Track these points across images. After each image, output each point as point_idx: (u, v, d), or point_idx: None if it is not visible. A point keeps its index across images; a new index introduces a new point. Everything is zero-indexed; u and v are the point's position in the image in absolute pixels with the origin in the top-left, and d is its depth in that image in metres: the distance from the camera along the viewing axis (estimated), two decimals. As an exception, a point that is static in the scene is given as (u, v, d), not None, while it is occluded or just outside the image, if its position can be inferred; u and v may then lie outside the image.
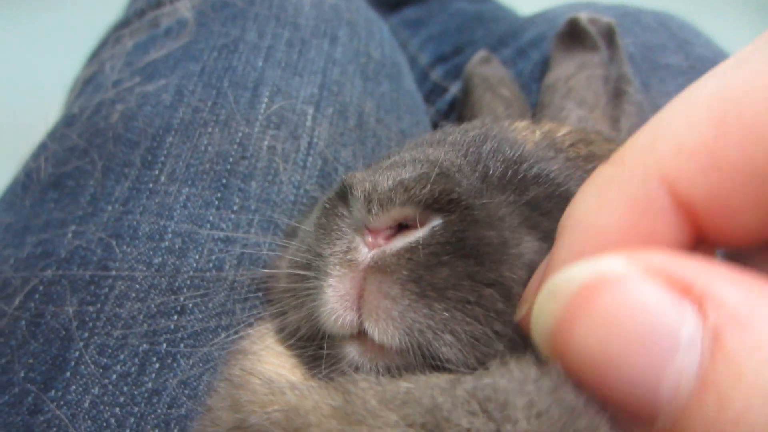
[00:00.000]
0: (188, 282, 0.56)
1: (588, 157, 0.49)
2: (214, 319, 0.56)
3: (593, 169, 0.48)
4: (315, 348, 0.41)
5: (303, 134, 0.67)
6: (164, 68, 0.71)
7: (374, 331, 0.36)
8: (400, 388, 0.32)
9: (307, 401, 0.34)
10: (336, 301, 0.38)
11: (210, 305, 0.56)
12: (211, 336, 0.55)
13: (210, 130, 0.65)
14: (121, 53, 0.77)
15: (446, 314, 0.35)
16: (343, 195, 0.40)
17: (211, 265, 0.58)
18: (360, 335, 0.38)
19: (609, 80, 0.80)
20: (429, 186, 0.36)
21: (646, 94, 0.82)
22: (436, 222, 0.36)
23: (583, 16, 0.87)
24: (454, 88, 1.11)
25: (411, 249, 0.36)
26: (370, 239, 0.38)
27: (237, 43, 0.73)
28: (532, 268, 0.36)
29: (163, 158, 0.63)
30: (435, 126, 1.01)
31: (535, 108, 0.84)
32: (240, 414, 0.38)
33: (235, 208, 0.61)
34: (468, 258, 0.35)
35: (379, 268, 0.36)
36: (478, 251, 0.35)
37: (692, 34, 0.90)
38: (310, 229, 0.42)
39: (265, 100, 0.68)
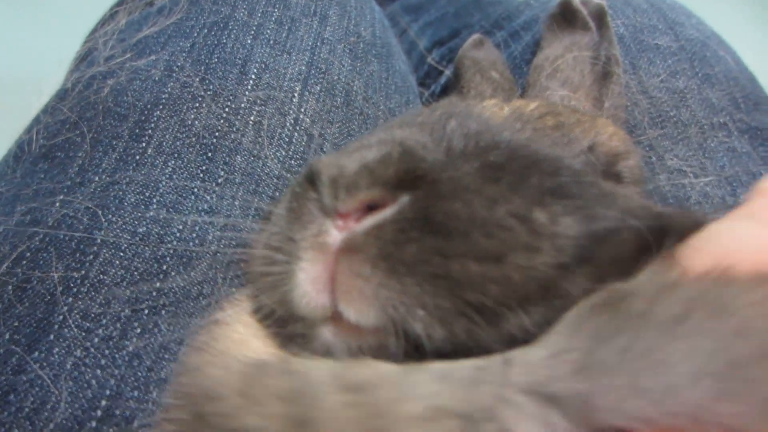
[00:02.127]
0: (171, 251, 0.58)
1: (556, 126, 0.50)
2: (196, 287, 0.57)
3: (562, 136, 0.49)
4: (289, 330, 0.42)
5: (289, 111, 0.68)
6: (155, 44, 0.73)
7: (349, 311, 0.36)
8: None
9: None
10: (308, 283, 0.38)
11: (192, 274, 0.57)
12: (192, 303, 0.56)
13: (197, 104, 0.66)
14: (115, 30, 0.79)
15: (417, 288, 0.34)
16: (312, 179, 0.40)
17: (194, 235, 0.59)
18: (334, 317, 0.38)
19: (597, 61, 0.81)
20: (393, 166, 0.36)
21: (634, 74, 0.83)
22: (404, 200, 0.36)
23: (575, -2, 0.87)
24: (449, 71, 1.12)
25: (379, 227, 0.36)
26: (340, 223, 0.38)
27: (227, 21, 0.74)
28: (505, 227, 0.36)
29: (150, 131, 0.64)
30: (427, 107, 1.02)
31: (524, 88, 0.85)
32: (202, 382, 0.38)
33: (220, 181, 0.62)
34: (436, 233, 0.35)
35: (349, 248, 0.36)
36: (446, 225, 0.35)
37: (683, 15, 0.90)
38: (282, 213, 0.43)
39: (253, 76, 0.69)
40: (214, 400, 0.32)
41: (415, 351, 0.36)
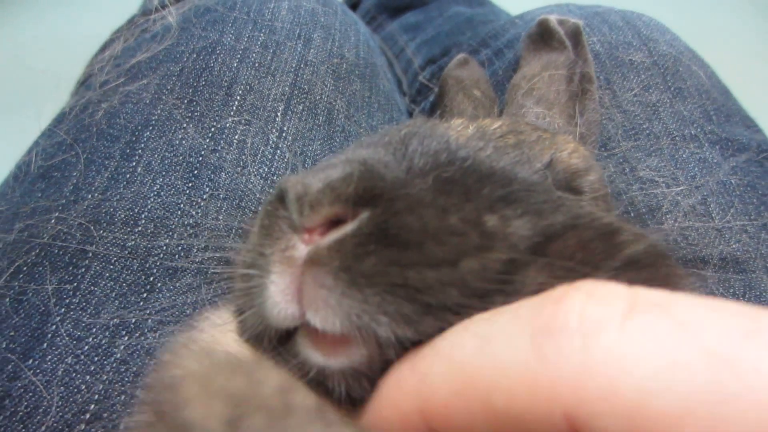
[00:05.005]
0: (158, 263, 0.61)
1: (517, 144, 0.52)
2: (181, 297, 0.60)
3: (522, 153, 0.52)
4: (268, 342, 0.44)
5: (272, 129, 0.72)
6: (147, 69, 0.77)
7: (316, 319, 0.38)
8: None
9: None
10: (277, 295, 0.40)
11: (178, 285, 0.61)
12: (177, 313, 0.60)
13: (185, 125, 0.70)
14: (112, 56, 0.83)
15: (378, 298, 0.36)
16: (282, 197, 0.42)
17: (180, 248, 0.62)
18: (304, 326, 0.40)
19: (573, 79, 0.84)
20: (354, 184, 0.39)
21: (608, 89, 0.85)
22: (364, 215, 0.38)
23: (553, 18, 0.90)
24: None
25: (340, 241, 0.38)
26: (306, 236, 0.40)
27: (215, 46, 0.78)
28: (458, 233, 0.38)
29: (140, 151, 0.68)
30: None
31: (504, 106, 0.88)
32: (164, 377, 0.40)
33: (205, 196, 0.66)
34: (392, 245, 0.37)
35: (313, 261, 0.38)
36: (401, 237, 0.37)
37: (658, 31, 0.93)
38: (255, 230, 0.45)
39: (238, 98, 0.73)
40: (170, 392, 0.35)
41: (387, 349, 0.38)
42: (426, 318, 0.36)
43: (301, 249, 0.40)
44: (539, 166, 0.51)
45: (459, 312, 0.36)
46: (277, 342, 0.44)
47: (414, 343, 0.36)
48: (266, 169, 0.69)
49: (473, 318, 0.33)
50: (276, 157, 0.71)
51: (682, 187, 0.76)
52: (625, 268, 0.39)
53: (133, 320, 0.58)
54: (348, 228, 0.39)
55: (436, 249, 0.37)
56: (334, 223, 0.40)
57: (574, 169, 0.54)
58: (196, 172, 0.67)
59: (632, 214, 0.76)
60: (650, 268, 0.42)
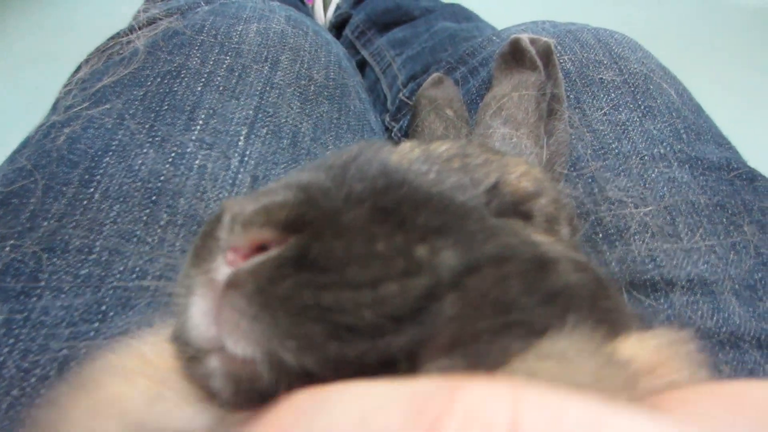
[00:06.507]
0: (111, 292, 0.60)
1: (461, 168, 0.51)
2: (134, 326, 0.59)
3: (464, 177, 0.51)
4: (188, 353, 0.44)
5: (234, 154, 0.72)
6: (111, 94, 0.76)
7: (228, 343, 0.37)
8: None
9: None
10: (198, 317, 0.40)
11: (131, 313, 0.60)
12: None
13: (145, 150, 0.70)
14: (80, 80, 0.83)
15: (288, 320, 0.35)
16: (220, 219, 0.42)
17: (134, 276, 0.62)
18: (221, 347, 0.39)
19: (545, 98, 0.83)
20: (287, 209, 0.38)
21: (578, 108, 0.85)
22: (290, 241, 0.38)
23: (525, 37, 0.90)
24: (417, 107, 1.15)
25: (260, 264, 0.37)
26: (230, 257, 0.39)
27: (180, 70, 0.78)
28: (384, 258, 0.37)
29: (99, 177, 0.67)
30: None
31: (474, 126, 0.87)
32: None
33: (162, 223, 0.65)
34: (311, 269, 0.36)
35: (232, 284, 0.38)
36: (322, 261, 0.36)
37: (629, 49, 0.93)
38: (190, 251, 0.45)
39: (200, 122, 0.73)
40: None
41: (295, 378, 0.37)
42: (332, 342, 0.34)
43: (224, 272, 0.39)
44: (480, 191, 0.49)
45: (370, 337, 0.35)
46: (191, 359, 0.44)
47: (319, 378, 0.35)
48: (225, 195, 0.69)
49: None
50: (237, 182, 0.70)
51: (650, 208, 0.75)
52: (554, 301, 0.38)
53: (84, 350, 0.57)
54: (271, 252, 0.38)
55: (358, 272, 0.36)
56: (262, 250, 0.40)
57: (522, 193, 0.53)
58: (154, 198, 0.66)
59: (600, 235, 0.75)
60: (587, 301, 0.41)
